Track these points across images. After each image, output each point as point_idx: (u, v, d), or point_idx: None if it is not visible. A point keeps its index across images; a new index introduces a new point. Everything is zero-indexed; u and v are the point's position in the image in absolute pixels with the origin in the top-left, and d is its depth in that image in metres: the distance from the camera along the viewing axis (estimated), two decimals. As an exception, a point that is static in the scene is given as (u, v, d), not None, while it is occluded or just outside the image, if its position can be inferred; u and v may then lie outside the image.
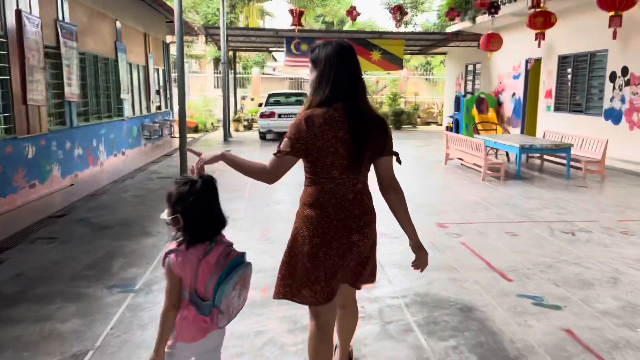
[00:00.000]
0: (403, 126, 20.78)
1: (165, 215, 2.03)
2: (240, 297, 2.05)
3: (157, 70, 15.47)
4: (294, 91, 21.42)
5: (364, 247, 2.28)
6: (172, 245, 1.99)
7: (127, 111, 12.17)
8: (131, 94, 12.72)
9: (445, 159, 10.59)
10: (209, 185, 2.01)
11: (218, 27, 15.70)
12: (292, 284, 2.29)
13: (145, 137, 13.83)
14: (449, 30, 16.86)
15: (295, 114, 16.18)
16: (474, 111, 15.02)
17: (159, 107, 15.55)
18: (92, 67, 10.13)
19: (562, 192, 7.67)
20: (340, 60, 2.19)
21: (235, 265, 1.99)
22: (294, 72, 26.03)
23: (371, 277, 2.43)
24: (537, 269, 4.40)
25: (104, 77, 10.75)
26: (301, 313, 3.46)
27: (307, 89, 26.49)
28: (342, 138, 2.14)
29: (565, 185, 8.27)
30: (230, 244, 2.08)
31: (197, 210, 1.95)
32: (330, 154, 2.14)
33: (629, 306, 3.66)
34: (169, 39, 16.67)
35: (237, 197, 7.23)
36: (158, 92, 15.63)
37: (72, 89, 8.63)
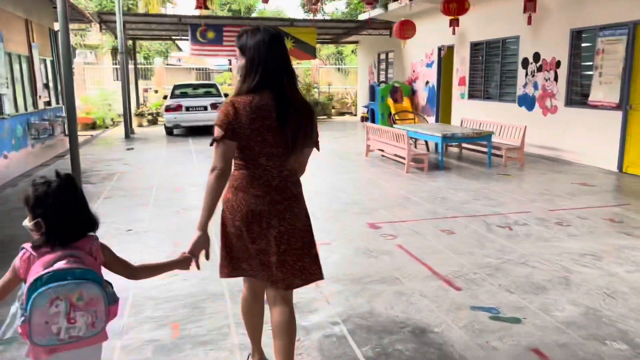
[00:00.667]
0: (318, 117, 20.33)
1: (27, 222, 1.83)
2: (74, 322, 1.70)
3: (45, 61, 13.78)
4: (202, 82, 20.19)
5: (291, 235, 2.27)
6: (29, 244, 1.81)
7: (8, 108, 10.60)
8: (12, 89, 11.12)
9: (366, 151, 10.19)
10: (68, 184, 1.81)
11: (114, 14, 14.25)
12: (230, 260, 2.36)
13: (32, 136, 12.20)
14: (360, 18, 16.56)
15: (204, 107, 15.36)
16: (389, 100, 14.84)
17: (48, 103, 13.86)
18: (-42, 56, 8.60)
19: (488, 182, 7.48)
20: (269, 48, 2.19)
21: (68, 278, 1.69)
22: (200, 62, 24.75)
23: (313, 275, 2.35)
24: (484, 272, 3.99)
25: (-26, 68, 9.20)
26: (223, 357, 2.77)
27: (215, 79, 25.34)
28: (270, 126, 2.17)
29: (488, 174, 8.13)
30: (79, 254, 1.78)
31: (55, 211, 1.77)
32: (259, 142, 2.18)
33: (590, 312, 3.32)
34: (57, 26, 14.94)
35: (140, 203, 6.31)
36: (46, 85, 13.94)
37: None
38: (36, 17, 12.76)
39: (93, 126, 17.34)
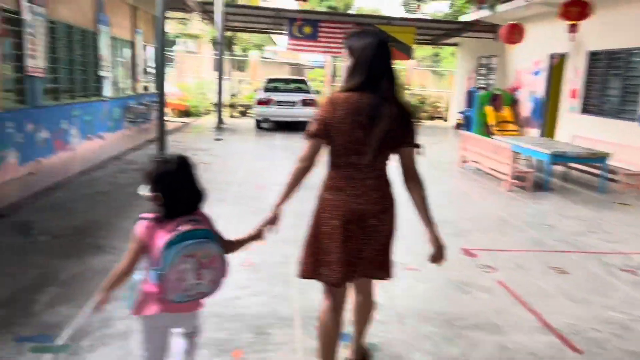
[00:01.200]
0: (408, 120, 19.57)
1: (144, 191, 2.04)
2: (200, 278, 1.90)
3: (147, 47, 14.22)
4: (294, 77, 20.05)
5: (381, 233, 2.34)
6: (147, 214, 1.98)
7: (108, 91, 10.95)
8: (114, 73, 11.49)
9: (461, 161, 9.45)
10: (184, 163, 2.03)
11: (213, 4, 14.42)
12: (314, 262, 2.35)
13: (129, 119, 12.62)
14: (463, 19, 15.65)
15: (294, 103, 15.21)
16: (488, 108, 13.86)
17: (146, 88, 14.31)
18: (66, 38, 8.90)
19: (602, 211, 6.54)
20: (376, 52, 2.25)
21: (194, 238, 1.88)
22: (294, 57, 24.78)
23: (386, 272, 2.44)
24: (608, 330, 3.28)
25: (80, 51, 9.52)
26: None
27: (306, 75, 25.27)
28: (362, 124, 2.20)
29: (601, 201, 7.14)
30: (197, 219, 2.00)
31: (175, 188, 1.97)
32: (352, 140, 2.21)
33: None
34: (161, 14, 15.37)
35: (219, 199, 6.08)
36: (147, 71, 14.39)
37: (36, 62, 7.42)
38: (142, 4, 13.15)
39: (187, 113, 17.77)
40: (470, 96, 14.93)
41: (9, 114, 6.83)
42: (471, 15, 15.36)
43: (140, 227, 1.95)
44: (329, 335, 2.39)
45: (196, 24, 24.98)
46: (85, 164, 8.05)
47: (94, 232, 4.70)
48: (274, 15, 15.64)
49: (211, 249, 1.91)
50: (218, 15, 14.05)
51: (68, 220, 5.03)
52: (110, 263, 3.96)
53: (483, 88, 15.53)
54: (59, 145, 8.42)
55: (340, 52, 14.97)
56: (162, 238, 1.87)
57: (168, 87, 18.77)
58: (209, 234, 1.95)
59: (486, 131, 13.85)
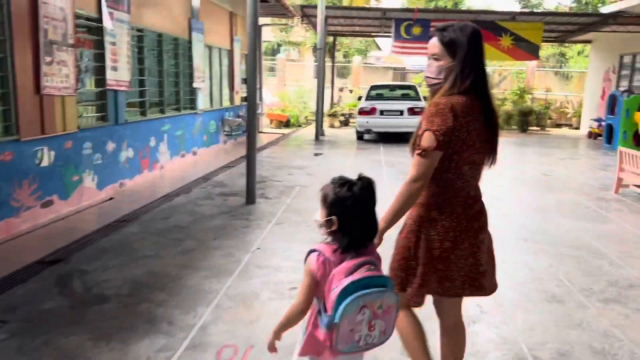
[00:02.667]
0: (531, 128, 17.31)
1: (318, 215, 1.84)
2: (373, 329, 1.73)
3: (245, 56, 13.53)
4: (401, 83, 18.43)
5: (487, 247, 2.24)
6: (320, 245, 1.82)
7: (202, 103, 10.26)
8: (209, 83, 10.80)
9: (617, 186, 7.47)
10: (368, 189, 1.80)
11: (316, 7, 13.40)
12: (423, 285, 2.15)
13: (225, 133, 11.93)
14: (604, 10, 13.29)
15: (400, 112, 13.74)
16: (639, 115, 11.46)
17: (245, 99, 13.61)
18: (155, 48, 8.23)
19: None
20: (480, 46, 2.09)
21: (372, 286, 1.70)
22: (398, 62, 23.27)
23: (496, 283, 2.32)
24: None
25: (172, 61, 8.84)
26: None
27: (412, 80, 23.60)
28: (479, 130, 2.06)
29: None
30: (375, 261, 1.79)
31: (353, 215, 1.77)
32: (469, 147, 2.05)
33: None
34: (261, 20, 14.70)
35: (315, 239, 4.82)
36: (245, 81, 13.71)
37: (118, 75, 6.70)
38: (241, 10, 12.46)
39: (287, 124, 16.98)
40: (613, 101, 12.55)
41: (88, 133, 6.13)
42: (613, 6, 12.98)
43: (314, 261, 1.78)
44: (420, 340, 2.26)
45: (299, 30, 24.38)
46: (170, 186, 7.23)
47: (152, 292, 3.64)
48: (379, 16, 14.33)
49: (389, 299, 1.74)
50: (319, 19, 13.00)
51: (127, 270, 4.05)
52: (159, 353, 2.83)
53: (628, 92, 13.03)
54: (145, 165, 7.71)
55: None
56: (337, 280, 1.71)
57: (268, 97, 18.20)
58: (387, 281, 1.78)
59: (636, 142, 11.48)
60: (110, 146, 6.70)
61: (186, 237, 4.93)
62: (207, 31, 10.16)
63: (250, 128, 6.32)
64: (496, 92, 19.87)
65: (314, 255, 1.78)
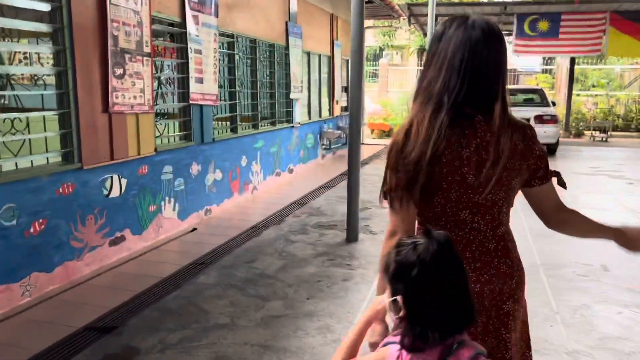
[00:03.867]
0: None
1: (387, 296, 1.26)
2: None
3: (347, 62, 12.47)
4: (524, 87, 15.98)
5: (517, 320, 1.53)
6: (393, 337, 1.24)
7: (300, 115, 9.29)
8: (307, 93, 9.83)
9: None
10: (443, 251, 1.18)
11: (425, 4, 12.00)
12: None
13: (324, 146, 10.90)
14: None
15: (525, 120, 11.87)
16: None
17: (345, 108, 12.53)
18: (247, 56, 7.35)
19: None
20: (477, 48, 1.43)
21: None
22: (518, 61, 21.00)
23: None
24: None
25: (266, 70, 7.94)
26: None
27: (524, 82, 21.19)
28: (470, 159, 1.42)
29: None
30: (482, 353, 1.21)
31: (424, 291, 1.16)
32: (456, 184, 1.43)
33: None
34: (365, 22, 13.57)
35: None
36: (346, 89, 12.63)
37: (203, 87, 5.85)
38: (343, 12, 11.41)
39: (390, 133, 15.67)
40: None
41: (168, 155, 5.30)
42: None
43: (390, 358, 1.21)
44: None
45: (402, 33, 22.99)
46: (261, 213, 6.26)
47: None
48: (498, 12, 12.60)
49: None
50: (429, 18, 11.59)
51: (191, 350, 3.02)
52: None
53: None
54: (235, 187, 6.82)
55: (587, 50, 11.00)
56: None
57: (369, 105, 17.01)
58: None
59: None
60: (195, 169, 5.85)
61: (272, 294, 3.85)
62: (305, 36, 9.19)
63: (354, 146, 5.15)
64: (623, 97, 17.15)
65: (390, 350, 1.21)
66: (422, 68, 1.59)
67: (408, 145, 1.42)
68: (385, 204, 1.50)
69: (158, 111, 5.38)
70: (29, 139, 3.84)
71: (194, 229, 5.67)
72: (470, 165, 1.42)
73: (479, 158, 1.41)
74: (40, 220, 3.79)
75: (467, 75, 1.42)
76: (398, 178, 1.43)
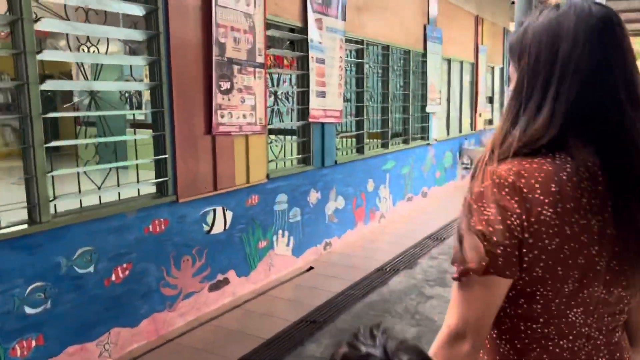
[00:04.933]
0: None
1: None
2: None
3: (493, 69, 11.01)
4: None
5: None
6: None
7: (437, 130, 8.13)
8: (446, 105, 8.63)
9: None
10: None
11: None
12: None
13: (464, 165, 9.59)
14: None
15: None
16: None
17: (490, 121, 11.06)
18: (378, 65, 6.41)
19: None
20: (591, 45, 0.86)
21: None
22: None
23: None
24: None
25: (399, 80, 6.93)
26: None
27: None
28: (603, 233, 0.85)
29: None
30: None
31: None
32: (575, 269, 0.86)
33: None
34: (512, 26, 11.96)
35: None
36: (490, 99, 11.17)
37: (326, 102, 5.01)
38: (489, 14, 10.03)
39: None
40: None
41: (282, 182, 4.54)
42: None
43: None
44: None
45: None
46: (389, 249, 5.25)
47: None
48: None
49: None
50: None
51: None
52: None
53: None
54: (359, 216, 5.90)
55: None
56: None
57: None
58: None
59: None
60: (314, 196, 5.03)
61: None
62: (446, 40, 8.03)
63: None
64: None
65: None
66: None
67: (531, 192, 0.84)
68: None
69: (272, 131, 4.64)
70: (116, 168, 3.25)
71: (311, 268, 4.83)
72: (603, 244, 0.84)
73: (618, 232, 0.84)
74: (124, 265, 3.17)
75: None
76: (501, 244, 0.83)
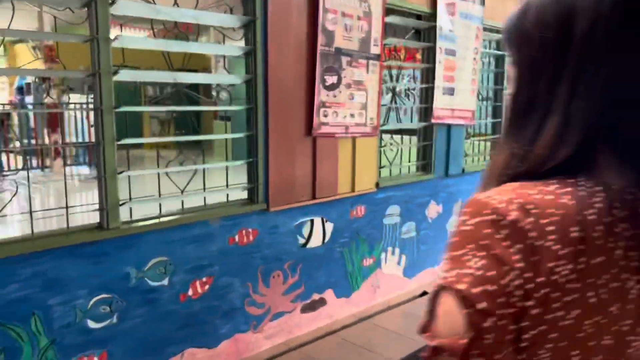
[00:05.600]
0: None
1: None
2: None
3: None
4: None
5: None
6: None
7: None
8: None
9: None
10: None
11: None
12: None
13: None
14: None
15: None
16: None
17: None
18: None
19: None
20: (614, 22, 0.57)
21: None
22: None
23: None
24: None
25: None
26: None
27: None
28: (631, 296, 0.59)
29: None
30: None
31: None
32: (598, 353, 0.59)
33: None
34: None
35: None
36: None
37: (454, 100, 4.30)
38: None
39: None
40: None
41: (395, 192, 3.95)
42: None
43: None
44: None
45: None
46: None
47: None
48: None
49: None
50: None
51: None
52: None
53: None
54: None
55: None
56: None
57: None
58: None
59: None
60: (434, 210, 4.36)
61: None
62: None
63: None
64: None
65: None
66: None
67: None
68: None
69: (387, 132, 4.07)
70: (202, 170, 2.91)
71: (425, 293, 4.18)
72: (623, 302, 0.58)
73: None
74: (204, 279, 2.83)
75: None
76: (492, 314, 0.56)
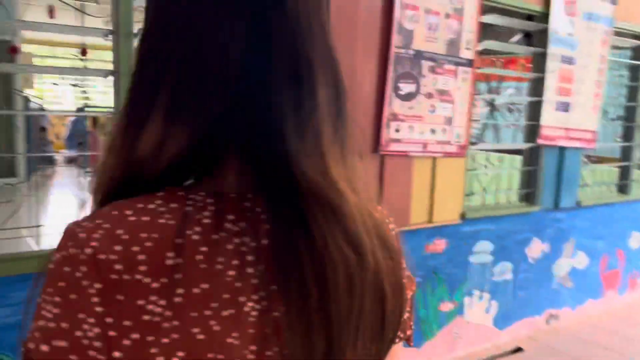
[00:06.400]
0: None
1: None
2: None
3: None
4: None
5: None
6: None
7: None
8: None
9: None
10: None
11: None
12: None
13: None
14: None
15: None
16: None
17: None
18: None
19: None
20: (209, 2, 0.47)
21: None
22: None
23: None
24: None
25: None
26: None
27: None
28: (249, 322, 0.47)
29: None
30: None
31: None
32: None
33: None
34: None
35: None
36: None
37: (569, 118, 3.52)
38: None
39: None
40: None
41: (486, 225, 3.29)
42: None
43: None
44: None
45: None
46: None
47: None
48: None
49: None
50: None
51: None
52: None
53: None
54: (610, 282, 4.17)
55: None
56: None
57: None
58: None
59: None
60: (537, 248, 3.60)
61: None
62: None
63: None
64: None
65: None
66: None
67: None
68: None
69: (473, 154, 3.43)
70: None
71: (519, 349, 3.44)
72: (242, 328, 0.47)
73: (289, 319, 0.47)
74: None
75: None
76: None
